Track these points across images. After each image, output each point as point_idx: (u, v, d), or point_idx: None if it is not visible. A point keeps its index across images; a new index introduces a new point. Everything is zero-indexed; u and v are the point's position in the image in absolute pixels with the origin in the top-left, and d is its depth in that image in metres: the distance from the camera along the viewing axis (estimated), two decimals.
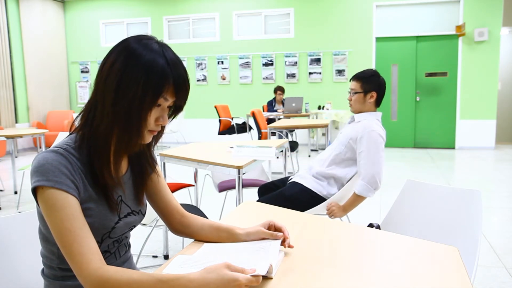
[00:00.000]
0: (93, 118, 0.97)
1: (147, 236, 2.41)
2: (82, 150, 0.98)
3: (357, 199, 2.27)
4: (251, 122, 7.03)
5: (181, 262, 0.97)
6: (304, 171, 2.49)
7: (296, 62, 8.44)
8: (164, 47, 0.96)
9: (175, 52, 0.98)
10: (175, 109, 1.02)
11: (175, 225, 1.19)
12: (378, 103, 2.41)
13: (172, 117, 1.04)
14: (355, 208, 2.29)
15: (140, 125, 0.95)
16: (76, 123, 1.01)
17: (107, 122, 0.94)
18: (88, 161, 0.97)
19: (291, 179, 2.54)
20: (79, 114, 1.01)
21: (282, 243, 1.05)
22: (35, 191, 0.91)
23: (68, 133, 1.05)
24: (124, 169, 1.09)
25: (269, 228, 1.10)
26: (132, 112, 0.93)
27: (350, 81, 2.46)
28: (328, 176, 2.37)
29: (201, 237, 1.15)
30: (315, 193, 2.34)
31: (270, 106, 7.60)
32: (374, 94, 2.37)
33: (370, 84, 2.36)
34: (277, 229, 1.08)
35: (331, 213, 2.27)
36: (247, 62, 8.70)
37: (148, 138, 1.01)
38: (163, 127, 1.05)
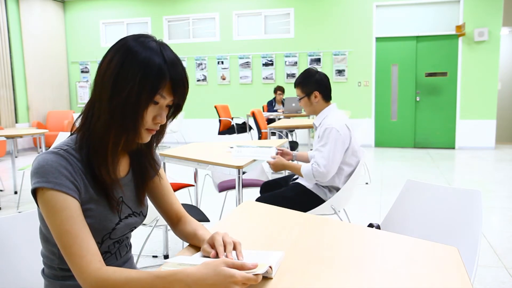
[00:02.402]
0: (92, 117, 0.97)
1: (147, 236, 2.41)
2: (82, 150, 0.98)
3: (297, 172, 2.34)
4: (251, 122, 7.03)
5: (179, 261, 0.96)
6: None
7: (296, 62, 8.44)
8: (162, 45, 0.96)
9: (174, 51, 0.98)
10: (175, 109, 1.02)
11: (174, 228, 1.19)
12: (326, 98, 2.42)
13: (172, 118, 1.04)
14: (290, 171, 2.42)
15: (136, 122, 0.95)
16: (77, 124, 1.01)
17: (104, 119, 0.94)
18: (88, 161, 0.97)
19: (294, 178, 2.54)
20: (80, 115, 1.01)
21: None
22: (35, 192, 0.91)
23: (68, 134, 1.04)
24: (125, 170, 1.09)
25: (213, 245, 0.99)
26: (128, 108, 0.93)
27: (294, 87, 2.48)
28: (326, 185, 2.37)
29: (190, 242, 1.14)
30: (317, 195, 2.34)
31: (270, 106, 7.60)
32: (317, 93, 2.39)
33: (309, 86, 2.39)
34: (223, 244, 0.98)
35: (272, 163, 2.35)
36: (247, 62, 8.70)
37: (146, 137, 1.00)
38: (163, 128, 1.05)
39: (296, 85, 2.43)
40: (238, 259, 0.94)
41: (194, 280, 0.81)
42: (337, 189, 2.36)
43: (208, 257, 1.00)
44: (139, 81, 0.92)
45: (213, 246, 0.99)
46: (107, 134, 0.96)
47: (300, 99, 2.43)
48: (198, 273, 0.81)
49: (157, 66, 0.92)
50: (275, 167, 2.36)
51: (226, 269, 0.81)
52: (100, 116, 0.95)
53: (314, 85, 2.38)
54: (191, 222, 1.17)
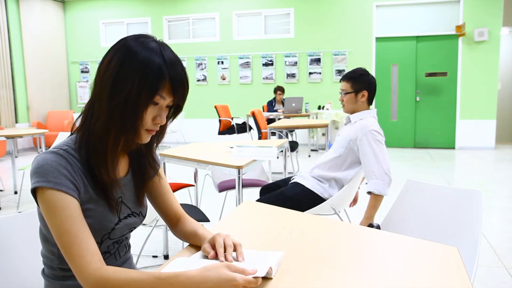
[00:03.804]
0: (91, 117, 0.97)
1: (147, 236, 2.41)
2: (82, 150, 0.97)
3: (377, 200, 2.19)
4: (251, 122, 7.03)
5: (179, 264, 0.96)
6: (306, 172, 2.49)
7: (296, 62, 8.44)
8: (162, 46, 0.96)
9: (174, 52, 0.97)
10: (175, 109, 1.02)
11: (173, 228, 1.19)
12: (370, 101, 2.41)
13: (172, 118, 1.04)
14: (377, 211, 2.22)
15: (136, 122, 0.95)
16: (77, 124, 1.01)
17: (104, 119, 0.94)
18: (88, 161, 0.97)
19: (293, 179, 2.54)
20: (80, 115, 1.01)
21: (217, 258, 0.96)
22: (34, 192, 0.91)
23: (68, 134, 1.04)
24: (125, 170, 1.09)
25: (214, 245, 1.00)
26: (128, 109, 0.93)
27: (340, 81, 2.46)
28: (329, 178, 2.36)
29: (189, 241, 1.14)
30: (317, 194, 2.34)
31: (270, 106, 7.60)
32: (366, 93, 2.37)
33: (361, 83, 2.37)
34: (224, 246, 0.98)
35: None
36: (247, 62, 8.70)
37: (146, 138, 1.00)
38: (163, 128, 1.05)
39: (347, 79, 2.39)
40: (238, 260, 0.94)
41: (196, 283, 0.81)
42: (337, 181, 2.35)
43: (207, 257, 1.00)
44: (138, 81, 0.91)
45: (213, 246, 1.00)
46: (106, 134, 0.96)
47: (345, 93, 2.39)
48: (199, 276, 0.81)
49: (156, 66, 0.92)
50: (367, 222, 2.25)
51: (228, 272, 0.81)
52: (100, 116, 0.95)
53: (366, 85, 2.36)
54: (191, 222, 1.17)
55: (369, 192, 2.23)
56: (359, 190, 2.67)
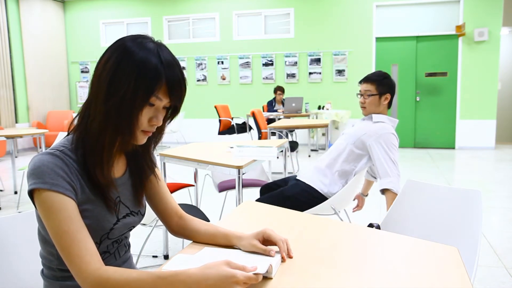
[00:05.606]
0: (88, 117, 0.97)
1: (147, 236, 2.41)
2: (78, 150, 0.97)
3: (394, 198, 2.11)
4: (251, 122, 7.03)
5: (180, 261, 0.97)
6: (310, 169, 2.49)
7: (296, 62, 8.44)
8: (160, 46, 0.95)
9: (172, 53, 0.97)
10: (172, 111, 1.01)
11: (173, 227, 1.18)
12: (390, 105, 2.45)
13: (169, 120, 1.03)
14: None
15: (131, 123, 0.94)
16: (74, 124, 1.01)
17: (100, 119, 0.94)
18: (84, 161, 0.97)
19: (296, 176, 2.55)
20: (77, 115, 1.01)
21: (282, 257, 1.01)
22: (31, 193, 0.91)
23: (66, 134, 1.04)
24: (122, 170, 1.09)
25: (264, 241, 1.04)
26: (123, 110, 0.92)
27: (361, 83, 2.44)
28: (334, 171, 2.36)
29: (198, 239, 1.14)
30: (317, 192, 2.34)
31: (270, 106, 7.60)
32: (389, 96, 2.40)
33: (385, 86, 2.39)
34: (273, 243, 1.02)
35: None
36: (247, 62, 8.69)
37: (142, 139, 0.99)
38: (161, 129, 1.05)
39: (371, 80, 2.38)
40: (290, 256, 1.01)
41: (196, 281, 0.81)
42: (341, 173, 2.35)
43: (208, 254, 1.00)
44: (134, 81, 0.91)
45: (263, 242, 1.02)
46: (102, 135, 0.95)
47: (370, 95, 2.39)
48: (200, 274, 0.81)
49: (153, 67, 0.91)
50: None
51: (228, 269, 0.81)
52: (96, 116, 0.94)
53: (389, 88, 2.39)
54: (199, 220, 1.18)
55: (383, 191, 2.21)
56: (366, 198, 2.69)
